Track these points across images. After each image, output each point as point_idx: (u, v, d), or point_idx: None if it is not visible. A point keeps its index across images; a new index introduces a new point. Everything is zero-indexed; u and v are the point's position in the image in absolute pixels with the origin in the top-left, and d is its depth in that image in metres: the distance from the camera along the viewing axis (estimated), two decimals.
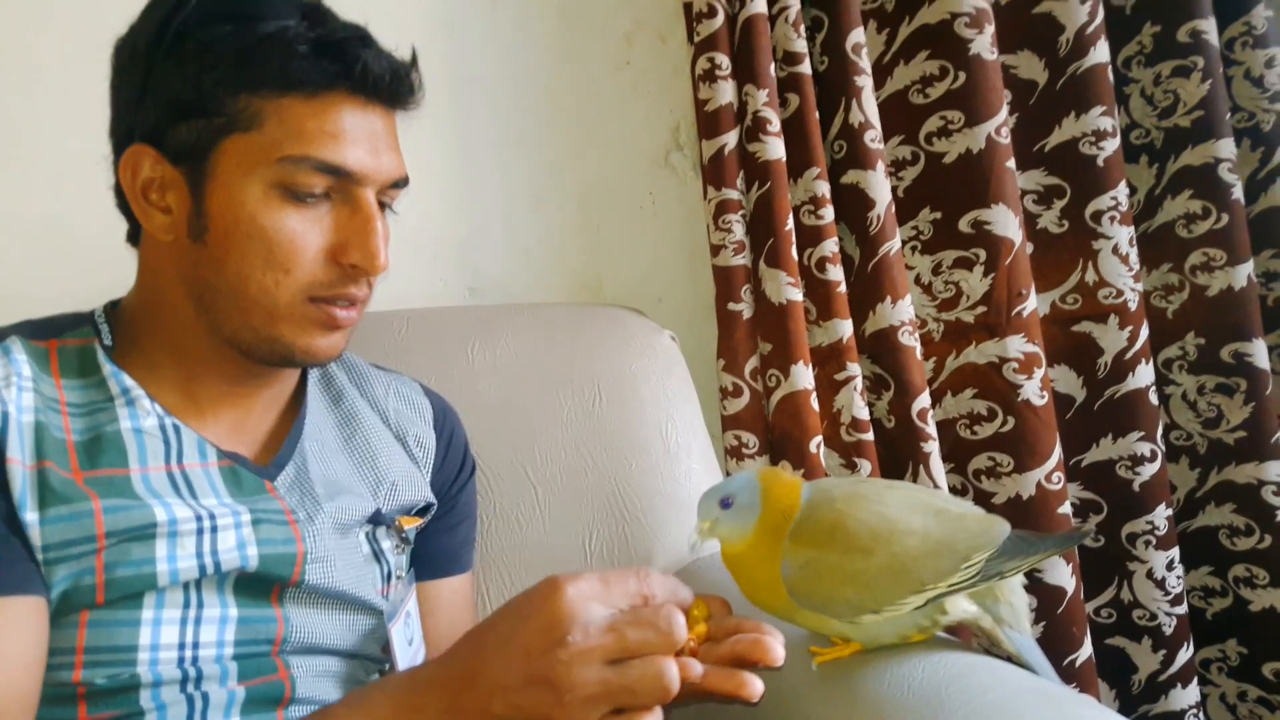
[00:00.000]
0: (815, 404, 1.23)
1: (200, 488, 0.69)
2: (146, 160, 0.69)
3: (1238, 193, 1.31)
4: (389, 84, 0.69)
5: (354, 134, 0.68)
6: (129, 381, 0.70)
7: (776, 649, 0.60)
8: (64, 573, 0.63)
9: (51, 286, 0.94)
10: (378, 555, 0.80)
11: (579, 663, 0.54)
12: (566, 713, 0.54)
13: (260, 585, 0.70)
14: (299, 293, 0.69)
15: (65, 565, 0.63)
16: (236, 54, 0.66)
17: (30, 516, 0.62)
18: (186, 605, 0.67)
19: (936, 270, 1.31)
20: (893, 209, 1.26)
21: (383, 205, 0.73)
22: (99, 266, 0.80)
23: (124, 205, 0.72)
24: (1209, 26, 1.30)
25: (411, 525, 0.83)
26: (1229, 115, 1.31)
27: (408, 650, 0.78)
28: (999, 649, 0.75)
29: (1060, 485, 1.28)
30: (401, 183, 0.73)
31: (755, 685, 0.58)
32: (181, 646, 0.66)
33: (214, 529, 0.68)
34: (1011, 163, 1.27)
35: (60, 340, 0.71)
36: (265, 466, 0.75)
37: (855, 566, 0.71)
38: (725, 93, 1.23)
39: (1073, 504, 1.34)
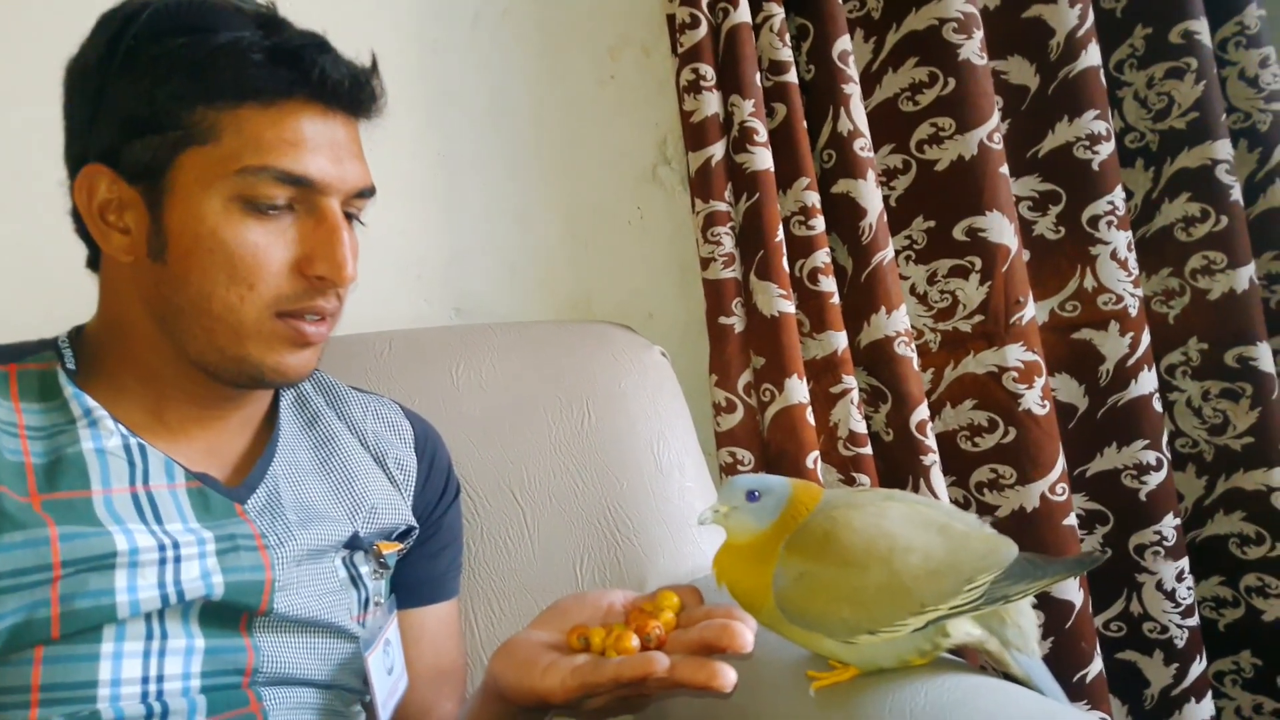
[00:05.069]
0: (811, 418, 1.20)
1: (166, 511, 0.67)
2: (103, 181, 0.67)
3: (1236, 194, 1.29)
4: (349, 90, 0.68)
5: (315, 142, 0.66)
6: (91, 403, 0.68)
7: (745, 634, 0.59)
8: (15, 604, 0.60)
9: (27, 312, 0.91)
10: (355, 580, 0.77)
11: None
12: None
13: (227, 614, 0.68)
14: (265, 308, 0.66)
15: (17, 596, 0.60)
16: (190, 66, 0.64)
17: None
18: (149, 637, 0.64)
19: (932, 279, 1.29)
20: (885, 218, 1.24)
21: (350, 216, 0.71)
22: (75, 291, 0.78)
23: (82, 229, 0.70)
24: (1201, 27, 1.28)
25: (391, 550, 0.81)
26: (1225, 116, 1.29)
27: (387, 680, 0.75)
28: (1006, 671, 0.72)
29: (1065, 497, 1.25)
30: (367, 192, 0.71)
31: (727, 675, 0.57)
32: (145, 681, 0.64)
33: (178, 558, 0.65)
34: (1005, 169, 1.25)
35: (20, 365, 0.69)
36: (236, 488, 0.72)
37: (851, 583, 0.68)
38: (711, 104, 1.21)
39: (1078, 515, 1.31)
